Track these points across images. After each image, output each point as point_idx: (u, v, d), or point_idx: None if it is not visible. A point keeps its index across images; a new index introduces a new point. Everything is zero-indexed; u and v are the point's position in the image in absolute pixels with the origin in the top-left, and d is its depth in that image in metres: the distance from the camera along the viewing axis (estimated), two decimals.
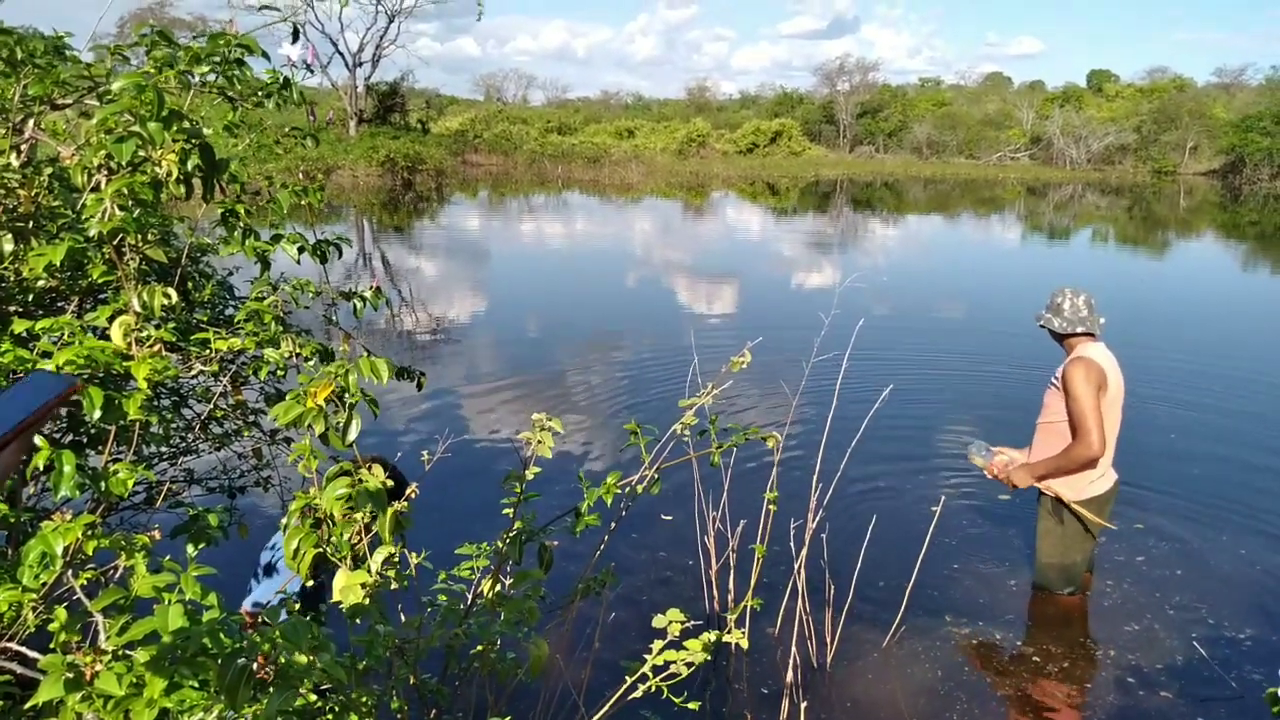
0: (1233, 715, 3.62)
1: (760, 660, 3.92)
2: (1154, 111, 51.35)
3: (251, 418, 3.44)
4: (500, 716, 2.23)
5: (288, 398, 1.91)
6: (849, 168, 48.46)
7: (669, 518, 5.26)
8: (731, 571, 4.08)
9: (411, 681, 1.97)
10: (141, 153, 2.28)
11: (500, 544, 2.23)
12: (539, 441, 2.08)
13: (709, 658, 2.16)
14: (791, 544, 3.88)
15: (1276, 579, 4.76)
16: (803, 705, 3.11)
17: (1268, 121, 44.09)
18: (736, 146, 51.01)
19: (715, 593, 4.21)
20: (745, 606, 2.91)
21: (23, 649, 1.74)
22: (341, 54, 40.85)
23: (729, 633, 2.20)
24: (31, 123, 2.73)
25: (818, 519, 3.88)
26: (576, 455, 6.40)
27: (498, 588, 2.21)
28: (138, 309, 2.34)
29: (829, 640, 3.91)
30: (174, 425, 3.55)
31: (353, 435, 1.89)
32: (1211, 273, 18.95)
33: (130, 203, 2.33)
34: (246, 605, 2.80)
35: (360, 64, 41.25)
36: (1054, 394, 4.21)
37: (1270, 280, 18.30)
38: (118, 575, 1.88)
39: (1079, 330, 4.18)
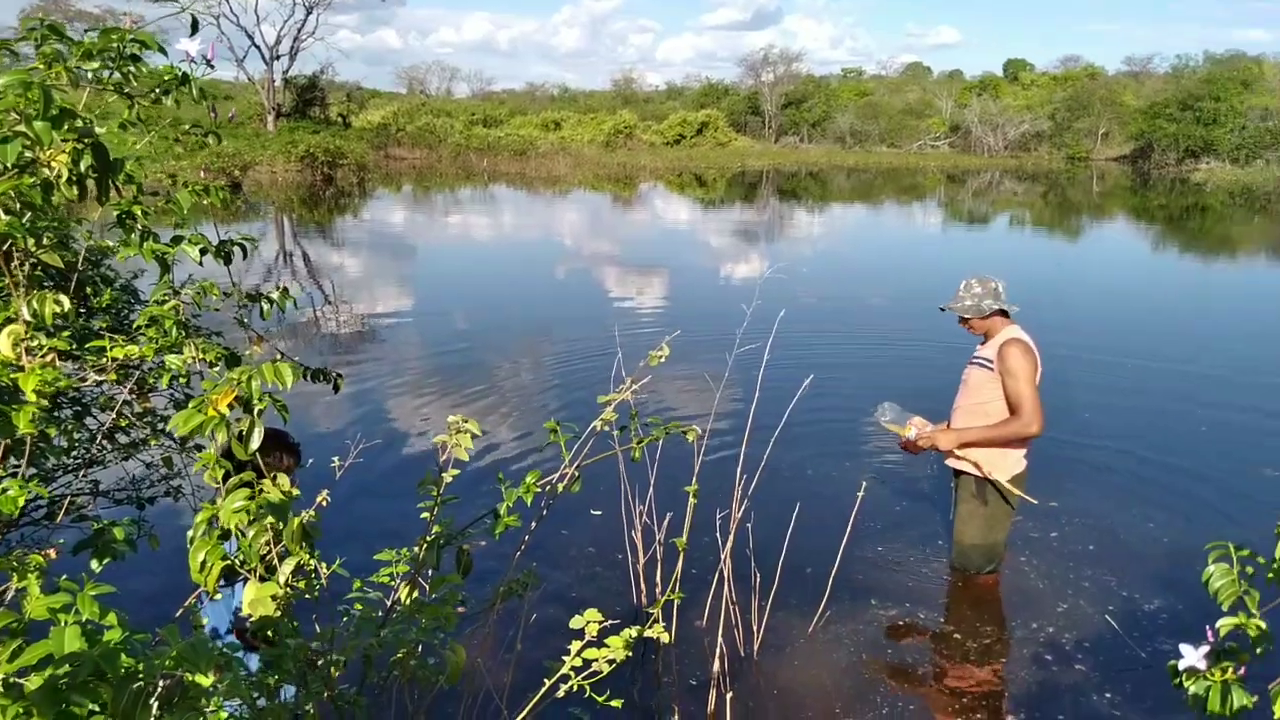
0: (1144, 685, 3.75)
1: (689, 652, 3.95)
2: (1067, 99, 52.92)
3: (161, 426, 3.33)
4: None
5: (189, 405, 1.85)
6: (774, 158, 48.95)
7: (598, 513, 5.25)
8: (659, 564, 4.09)
9: (326, 696, 1.93)
10: (29, 154, 2.18)
11: (418, 549, 2.20)
12: (455, 444, 2.05)
13: (630, 654, 2.16)
14: (718, 535, 3.91)
15: (1183, 550, 4.94)
16: (729, 695, 3.13)
17: (1174, 108, 45.77)
18: (664, 138, 51.14)
19: (643, 586, 4.21)
20: (667, 601, 2.91)
21: None
22: (258, 47, 39.80)
23: (651, 628, 2.20)
24: None
25: (743, 508, 3.90)
26: (506, 454, 6.35)
27: (415, 594, 2.18)
28: (28, 318, 2.24)
29: (755, 629, 3.95)
30: (77, 436, 3.42)
31: (255, 444, 1.83)
32: (1125, 255, 19.62)
33: (18, 206, 2.23)
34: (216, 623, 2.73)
35: (278, 57, 40.26)
36: (982, 374, 4.27)
37: (1180, 261, 19.03)
38: (9, 597, 1.80)
39: (997, 309, 4.26)
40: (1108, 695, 3.69)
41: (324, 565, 2.15)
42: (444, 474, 2.28)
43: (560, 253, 18.20)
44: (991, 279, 4.32)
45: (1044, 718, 3.57)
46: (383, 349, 9.67)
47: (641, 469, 4.01)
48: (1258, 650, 1.98)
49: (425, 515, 2.24)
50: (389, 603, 2.33)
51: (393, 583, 2.42)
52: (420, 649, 2.34)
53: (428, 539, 2.09)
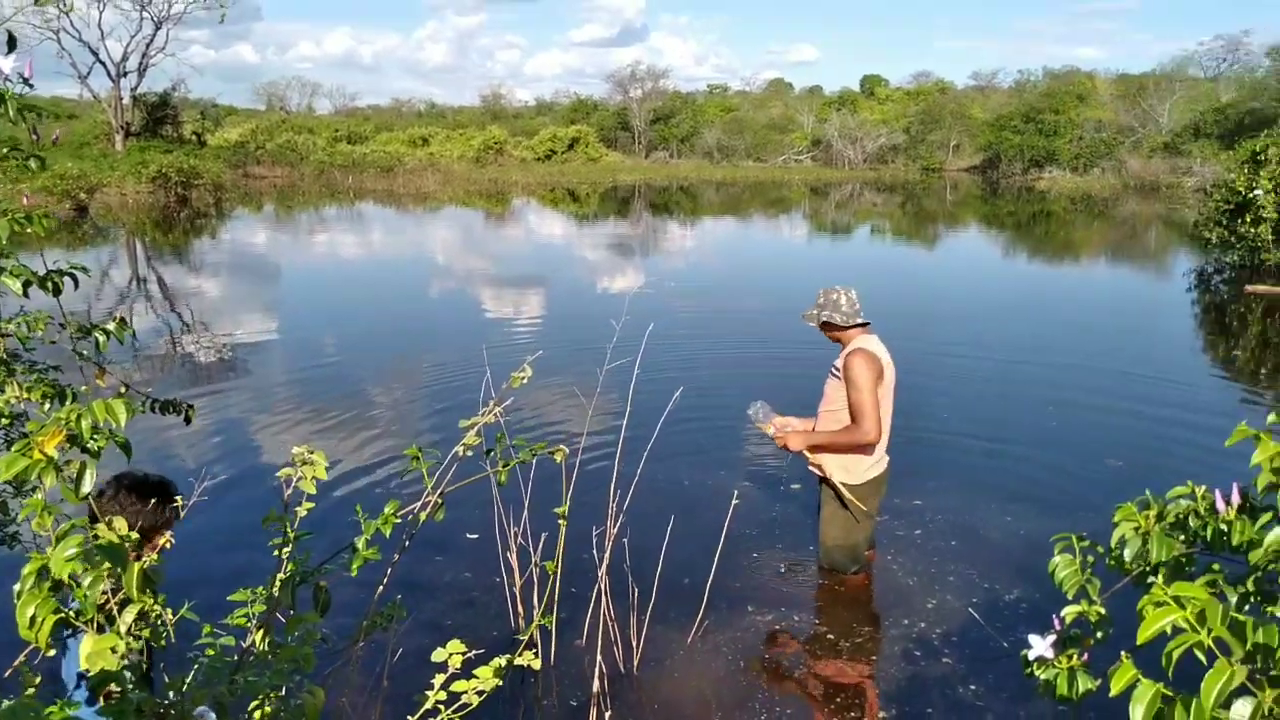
0: (1006, 674, 3.92)
1: (568, 673, 3.91)
2: (920, 113, 55.51)
3: None
4: None
5: (13, 449, 1.71)
6: (646, 173, 49.52)
7: (473, 537, 5.16)
8: (535, 586, 4.04)
9: None
10: None
11: (271, 589, 2.10)
12: (301, 477, 1.97)
13: (501, 683, 2.11)
14: (595, 552, 3.89)
15: (1039, 541, 5.20)
16: (608, 715, 3.11)
17: (1018, 121, 48.58)
18: (534, 153, 51.07)
19: (520, 609, 4.16)
20: (543, 624, 2.87)
21: None
22: (103, 63, 37.82)
23: (520, 655, 2.16)
24: None
25: (619, 524, 3.91)
26: (374, 479, 6.17)
27: (270, 636, 2.08)
28: None
29: (635, 644, 3.95)
30: None
31: (86, 488, 1.71)
32: (979, 259, 20.65)
33: None
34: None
35: (125, 74, 38.36)
36: (834, 383, 4.44)
37: (1029, 265, 20.14)
38: None
39: (857, 322, 4.43)
40: (972, 686, 3.84)
41: (169, 611, 2.03)
42: (298, 507, 2.19)
43: (432, 270, 17.89)
44: (838, 289, 4.45)
45: (914, 710, 3.69)
46: (246, 375, 9.28)
47: (515, 490, 3.97)
48: (1099, 635, 2.10)
49: (278, 554, 2.15)
50: (245, 647, 2.22)
51: (248, 624, 2.31)
52: (282, 693, 2.24)
53: (278, 577, 2.00)
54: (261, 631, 2.07)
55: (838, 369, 4.40)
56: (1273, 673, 1.54)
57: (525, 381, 2.38)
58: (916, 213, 32.62)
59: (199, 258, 19.72)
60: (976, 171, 51.82)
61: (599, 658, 3.53)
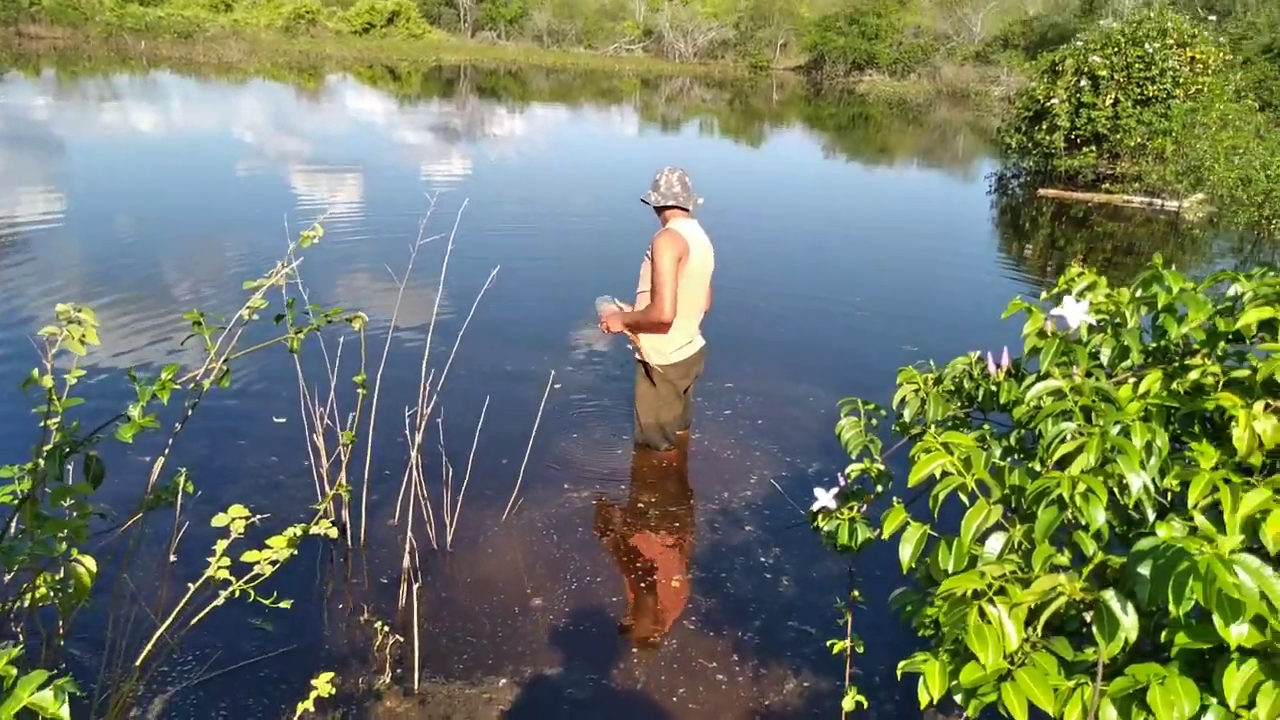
0: (804, 539, 4.17)
1: (379, 552, 3.87)
2: (750, 9, 55.43)
3: None
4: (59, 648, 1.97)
5: None
6: (471, 54, 47.43)
7: (281, 420, 4.95)
8: (344, 467, 3.94)
9: None
10: None
11: (36, 459, 1.93)
12: (67, 336, 1.80)
13: (295, 553, 2.05)
14: (408, 433, 3.82)
15: (837, 418, 5.52)
16: (415, 587, 3.10)
17: (843, 22, 49.37)
18: (351, 26, 47.78)
19: (329, 490, 4.05)
20: (334, 496, 2.80)
21: None
22: None
23: (315, 524, 2.10)
24: None
25: (432, 404, 3.83)
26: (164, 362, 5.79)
27: (37, 509, 1.92)
28: None
29: (448, 521, 3.94)
30: None
31: None
32: (802, 165, 21.19)
33: None
34: None
35: None
36: (645, 265, 4.49)
37: (845, 168, 20.83)
38: None
39: (670, 204, 4.46)
40: (774, 550, 4.07)
41: None
42: (67, 375, 2.02)
43: (239, 149, 16.62)
44: (666, 170, 4.48)
45: (717, 572, 3.89)
46: (28, 260, 8.39)
47: (322, 371, 3.82)
48: (878, 489, 2.25)
49: (47, 424, 1.97)
50: (8, 522, 2.05)
51: (13, 502, 2.13)
52: (57, 572, 2.10)
53: (43, 447, 1.84)
54: (27, 504, 1.91)
55: (649, 250, 4.44)
56: (1023, 509, 1.69)
57: (316, 241, 2.25)
58: (744, 111, 32.96)
59: None
60: (802, 72, 52.62)
61: (409, 535, 3.50)
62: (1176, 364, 1.76)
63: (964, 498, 1.73)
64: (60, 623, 2.18)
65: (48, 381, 1.86)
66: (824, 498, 2.15)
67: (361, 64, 39.49)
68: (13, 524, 1.98)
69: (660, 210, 4.55)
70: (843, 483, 2.21)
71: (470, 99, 30.59)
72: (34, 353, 5.85)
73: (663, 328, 4.46)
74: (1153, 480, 1.53)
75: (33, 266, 8.10)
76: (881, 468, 2.19)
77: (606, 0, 60.84)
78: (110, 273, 7.95)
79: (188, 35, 38.99)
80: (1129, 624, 1.37)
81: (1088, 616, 1.45)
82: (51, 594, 1.93)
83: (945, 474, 1.73)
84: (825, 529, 2.16)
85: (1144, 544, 1.33)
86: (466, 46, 50.09)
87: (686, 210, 4.53)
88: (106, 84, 27.15)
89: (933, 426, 2.03)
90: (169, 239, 9.39)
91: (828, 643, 2.47)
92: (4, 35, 34.67)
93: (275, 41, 41.85)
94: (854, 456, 2.24)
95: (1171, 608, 1.23)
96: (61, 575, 2.03)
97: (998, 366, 2.11)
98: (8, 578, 1.88)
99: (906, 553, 1.74)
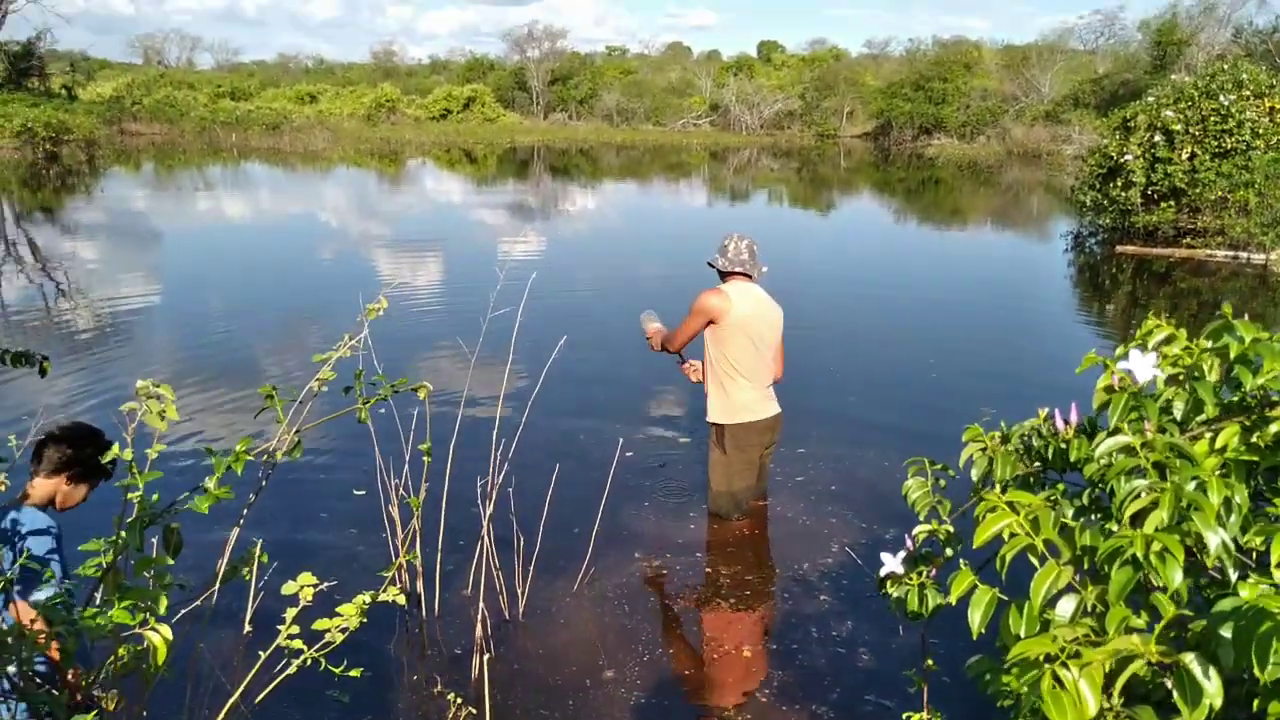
0: (881, 608, 4.06)
1: (453, 622, 3.89)
2: (815, 80, 56.12)
3: None
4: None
5: None
6: (544, 134, 48.86)
7: (360, 492, 5.06)
8: (419, 539, 3.99)
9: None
10: None
11: (118, 533, 2.01)
12: (146, 411, 1.88)
13: (364, 620, 2.08)
14: (481, 504, 3.86)
15: None
16: (485, 658, 3.11)
17: (908, 89, 49.62)
18: (429, 112, 49.79)
19: (404, 561, 4.10)
20: (402, 563, 2.83)
21: None
22: None
23: (384, 591, 2.13)
24: None
25: (502, 473, 3.88)
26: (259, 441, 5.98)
27: (119, 579, 1.99)
28: None
29: (520, 591, 3.95)
30: None
31: None
32: (873, 228, 21.13)
33: None
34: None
35: None
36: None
37: (918, 231, 20.69)
38: None
39: (736, 270, 4.52)
40: (848, 622, 3.97)
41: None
42: (148, 450, 2.10)
43: (324, 233, 17.30)
44: (734, 237, 4.58)
45: (791, 643, 3.81)
46: (127, 343, 8.80)
47: (396, 444, 3.90)
48: (947, 552, 2.19)
49: (131, 496, 2.06)
50: (94, 595, 2.13)
51: (99, 574, 2.21)
52: (140, 643, 2.16)
53: (124, 519, 1.92)
54: (110, 575, 1.99)
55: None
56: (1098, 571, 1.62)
57: (381, 313, 2.33)
58: (812, 179, 33.11)
59: (73, 219, 18.65)
60: (869, 138, 52.81)
61: (482, 605, 3.51)
62: (1255, 416, 1.69)
63: (1034, 559, 1.67)
64: (144, 693, 2.24)
65: (128, 455, 1.95)
66: (891, 563, 2.10)
67: (439, 148, 40.96)
68: (97, 594, 2.05)
69: (724, 275, 4.61)
70: (910, 546, 2.16)
71: (543, 177, 31.43)
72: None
73: (664, 349, 4.84)
74: (1233, 538, 1.47)
75: (131, 347, 8.51)
76: (950, 529, 2.13)
77: (673, 78, 62.29)
78: (201, 352, 8.29)
79: (276, 127, 41.02)
80: (1212, 689, 1.30)
81: (1169, 683, 1.38)
82: (133, 663, 1.99)
83: (1012, 534, 1.68)
84: (894, 595, 2.11)
85: (1225, 604, 1.28)
86: (539, 128, 51.63)
87: (750, 276, 4.58)
88: (200, 175, 28.66)
89: (998, 486, 1.97)
90: (259, 321, 9.76)
91: (904, 715, 2.39)
92: (108, 134, 36.95)
93: (358, 130, 43.77)
94: (922, 518, 2.19)
95: (1256, 671, 1.17)
96: (144, 646, 2.09)
97: (1066, 423, 2.06)
98: (90, 645, 1.94)
99: (976, 618, 1.69)
